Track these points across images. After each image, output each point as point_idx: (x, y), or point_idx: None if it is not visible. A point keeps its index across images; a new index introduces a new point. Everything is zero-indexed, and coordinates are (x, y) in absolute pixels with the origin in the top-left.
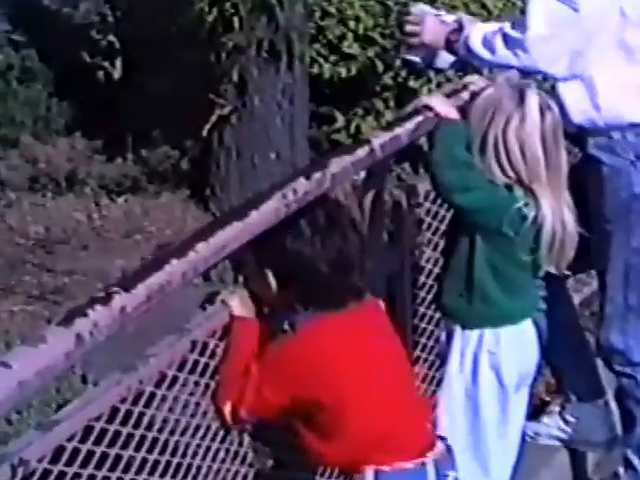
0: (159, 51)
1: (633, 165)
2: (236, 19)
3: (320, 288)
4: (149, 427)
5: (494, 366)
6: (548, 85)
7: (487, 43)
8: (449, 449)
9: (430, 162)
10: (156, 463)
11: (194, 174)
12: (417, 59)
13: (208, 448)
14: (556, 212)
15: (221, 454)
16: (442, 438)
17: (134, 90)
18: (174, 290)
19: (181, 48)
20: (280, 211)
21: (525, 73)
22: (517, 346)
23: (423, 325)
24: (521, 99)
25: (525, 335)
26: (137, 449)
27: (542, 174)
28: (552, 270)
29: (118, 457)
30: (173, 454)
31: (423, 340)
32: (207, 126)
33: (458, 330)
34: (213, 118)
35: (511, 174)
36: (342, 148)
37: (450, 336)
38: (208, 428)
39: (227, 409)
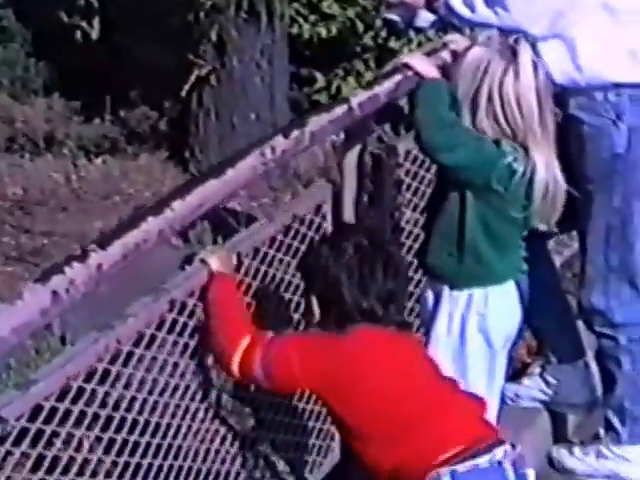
0: (138, 11)
1: (615, 125)
2: None
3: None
4: (127, 386)
5: (482, 328)
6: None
7: (467, 1)
8: (513, 446)
9: (414, 123)
10: (135, 422)
11: (173, 135)
12: (397, 18)
13: (187, 408)
14: (549, 165)
15: (200, 414)
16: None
17: (112, 50)
18: (150, 248)
19: (160, 8)
20: (257, 169)
21: (505, 32)
22: (503, 307)
23: None
24: (513, 54)
25: (509, 296)
26: (115, 408)
27: (536, 129)
28: (542, 227)
29: (96, 416)
30: (151, 413)
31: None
32: (186, 87)
33: (446, 291)
34: (192, 79)
35: (505, 127)
36: (321, 107)
37: (437, 298)
38: (187, 388)
39: (244, 344)
